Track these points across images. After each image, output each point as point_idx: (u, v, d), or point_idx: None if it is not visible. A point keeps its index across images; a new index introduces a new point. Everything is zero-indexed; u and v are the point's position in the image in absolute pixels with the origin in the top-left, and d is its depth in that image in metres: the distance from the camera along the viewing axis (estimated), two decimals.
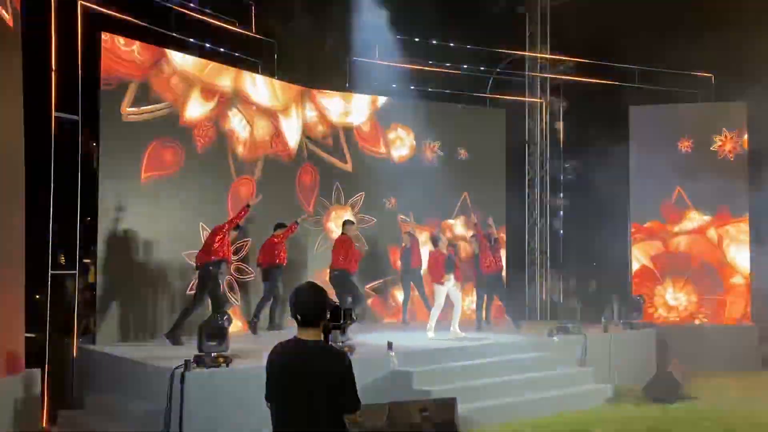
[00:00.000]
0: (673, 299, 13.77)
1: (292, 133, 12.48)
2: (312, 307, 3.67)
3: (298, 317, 3.67)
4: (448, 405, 7.60)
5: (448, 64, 14.09)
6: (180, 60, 10.73)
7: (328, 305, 3.72)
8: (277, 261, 11.06)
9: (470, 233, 13.25)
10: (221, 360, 7.51)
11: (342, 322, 3.75)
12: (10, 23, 7.65)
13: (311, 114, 12.90)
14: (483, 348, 10.13)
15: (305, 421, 3.58)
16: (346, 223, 11.28)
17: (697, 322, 13.45)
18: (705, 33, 13.08)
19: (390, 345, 8.88)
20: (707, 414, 9.37)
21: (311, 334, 3.68)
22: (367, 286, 12.83)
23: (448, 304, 11.06)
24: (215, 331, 7.66)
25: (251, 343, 9.41)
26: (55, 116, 9.29)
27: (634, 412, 9.52)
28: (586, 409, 9.52)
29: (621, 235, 14.35)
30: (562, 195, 15.27)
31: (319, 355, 3.64)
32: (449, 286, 10.87)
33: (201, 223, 10.73)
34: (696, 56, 13.40)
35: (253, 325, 10.82)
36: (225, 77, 11.37)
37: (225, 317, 8.00)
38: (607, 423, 8.92)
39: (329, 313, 3.70)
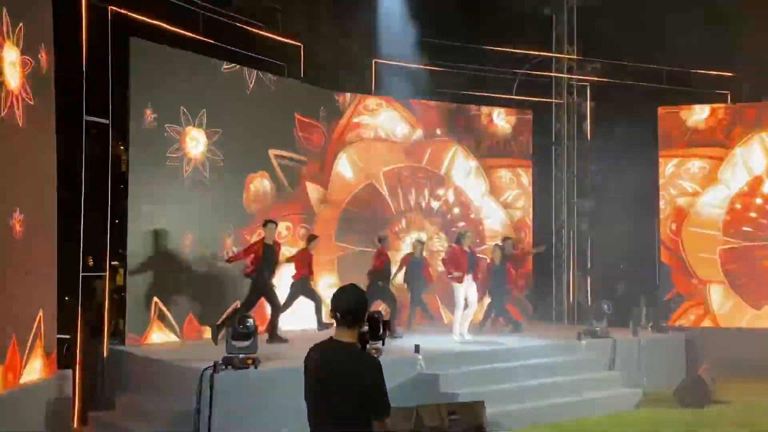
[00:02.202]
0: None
1: None
2: (352, 307, 3.65)
3: (337, 315, 3.65)
4: (476, 408, 7.58)
5: (474, 66, 14.04)
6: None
7: (367, 311, 3.70)
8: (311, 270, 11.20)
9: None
10: (249, 362, 7.54)
11: (382, 332, 3.74)
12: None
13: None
14: (511, 351, 10.08)
15: (332, 422, 3.58)
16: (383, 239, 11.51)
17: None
18: (734, 32, 12.93)
19: (417, 348, 8.86)
20: (739, 419, 9.23)
21: (347, 335, 3.65)
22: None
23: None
24: (244, 333, 7.69)
25: (280, 346, 9.46)
26: (85, 120, 9.41)
27: (663, 416, 9.40)
28: (615, 413, 9.43)
29: (649, 237, 14.20)
30: (589, 197, 15.12)
31: (350, 358, 3.62)
32: (467, 284, 10.70)
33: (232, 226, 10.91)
34: (725, 56, 13.25)
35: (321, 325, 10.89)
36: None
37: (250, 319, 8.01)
38: (636, 428, 8.83)
39: (368, 325, 3.69)
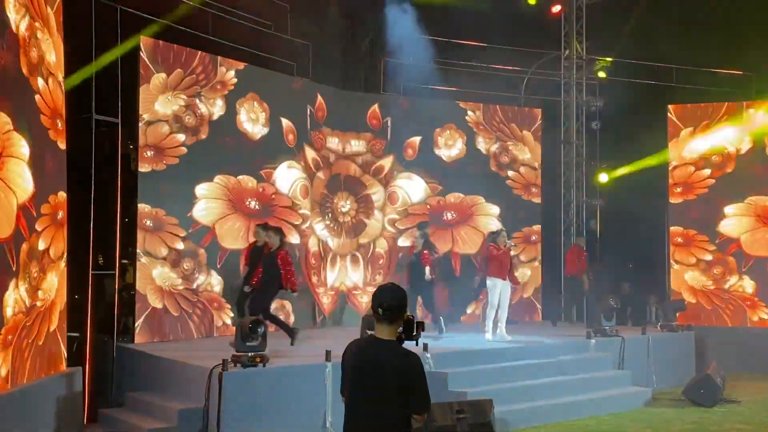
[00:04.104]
0: None
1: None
2: (394, 303, 3.77)
3: (379, 311, 3.76)
4: (484, 406, 7.56)
5: (483, 64, 14.01)
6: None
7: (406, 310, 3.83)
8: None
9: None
10: (258, 360, 7.56)
11: (415, 333, 3.82)
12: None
13: None
14: (519, 350, 10.06)
15: (371, 417, 3.72)
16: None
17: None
18: (743, 31, 12.89)
19: (425, 346, 8.86)
20: (748, 418, 9.19)
21: (386, 333, 3.78)
22: None
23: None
24: (253, 332, 7.70)
25: (288, 344, 9.48)
26: (95, 119, 9.46)
27: (673, 415, 9.37)
28: (624, 412, 9.42)
29: (659, 237, 14.17)
30: (598, 195, 15.09)
31: (391, 355, 3.75)
32: (502, 285, 10.58)
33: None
34: (735, 54, 13.20)
35: None
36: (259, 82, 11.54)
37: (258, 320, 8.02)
38: (645, 426, 8.79)
39: (402, 325, 3.80)
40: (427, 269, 10.93)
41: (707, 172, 13.73)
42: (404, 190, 13.53)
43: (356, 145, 13.18)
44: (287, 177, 11.93)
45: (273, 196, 11.64)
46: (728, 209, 13.52)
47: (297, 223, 11.98)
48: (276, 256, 9.45)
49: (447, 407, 7.41)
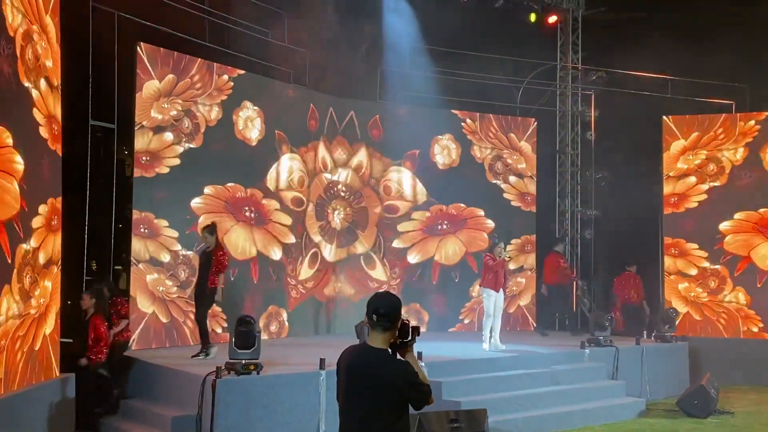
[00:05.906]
0: None
1: None
2: (389, 311, 3.78)
3: (374, 317, 3.79)
4: (478, 416, 7.55)
5: (479, 74, 14.05)
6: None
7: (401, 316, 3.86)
8: None
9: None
10: (252, 367, 7.54)
11: (409, 338, 3.85)
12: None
13: None
14: (513, 359, 10.06)
15: (363, 424, 3.75)
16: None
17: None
18: (738, 42, 12.96)
19: (419, 355, 8.84)
20: (742, 429, 9.20)
21: (380, 341, 3.81)
22: None
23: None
24: (246, 339, 7.69)
25: (281, 351, 9.46)
26: (91, 124, 9.44)
27: (666, 426, 9.38)
28: (617, 422, 9.42)
29: (653, 247, 14.18)
30: (592, 205, 15.12)
31: (382, 362, 3.78)
32: (496, 295, 10.59)
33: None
34: (730, 65, 13.26)
35: None
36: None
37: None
38: None
39: (398, 330, 3.83)
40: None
41: (700, 181, 13.77)
42: (396, 183, 13.60)
43: (352, 154, 13.17)
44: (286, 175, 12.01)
45: (273, 211, 11.65)
46: (724, 219, 13.56)
47: (289, 242, 11.94)
48: None
49: (442, 416, 7.40)
